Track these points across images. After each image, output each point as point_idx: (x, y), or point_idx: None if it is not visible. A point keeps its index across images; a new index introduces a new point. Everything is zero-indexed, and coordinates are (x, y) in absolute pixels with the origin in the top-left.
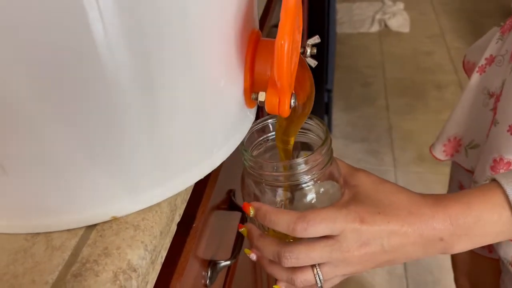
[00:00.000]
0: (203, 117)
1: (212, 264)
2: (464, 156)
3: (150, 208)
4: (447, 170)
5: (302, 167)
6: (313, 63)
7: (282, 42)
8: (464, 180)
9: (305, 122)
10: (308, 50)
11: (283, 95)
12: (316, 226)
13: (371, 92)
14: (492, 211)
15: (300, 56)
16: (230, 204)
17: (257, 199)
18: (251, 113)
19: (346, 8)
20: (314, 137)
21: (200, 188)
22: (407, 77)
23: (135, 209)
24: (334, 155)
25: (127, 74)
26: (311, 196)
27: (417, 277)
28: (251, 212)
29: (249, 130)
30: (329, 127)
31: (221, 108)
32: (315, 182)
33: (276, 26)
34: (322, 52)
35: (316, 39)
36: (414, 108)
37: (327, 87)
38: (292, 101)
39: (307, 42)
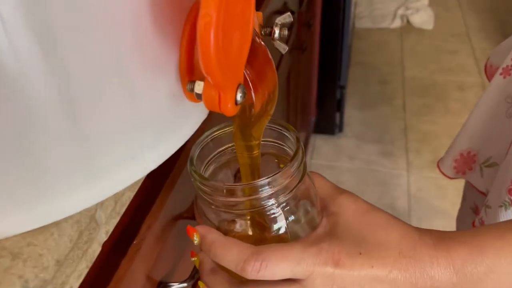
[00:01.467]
0: (122, 109)
1: (162, 286)
2: (479, 176)
3: (44, 229)
4: None
5: (266, 191)
6: (283, 48)
7: (207, 19)
8: (479, 203)
9: (276, 129)
10: (276, 31)
11: (223, 88)
12: (273, 268)
13: (388, 90)
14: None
15: (258, 40)
16: None
17: (211, 224)
18: (197, 108)
19: (367, 2)
20: (288, 150)
21: (152, 196)
22: (427, 76)
23: (19, 231)
24: (345, 154)
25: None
26: (277, 226)
27: None
28: (195, 239)
29: (202, 140)
30: (340, 125)
31: (147, 99)
32: (284, 207)
33: (278, 11)
34: (336, 47)
35: (287, 17)
36: (433, 110)
37: (340, 83)
38: (239, 95)
39: (276, 21)
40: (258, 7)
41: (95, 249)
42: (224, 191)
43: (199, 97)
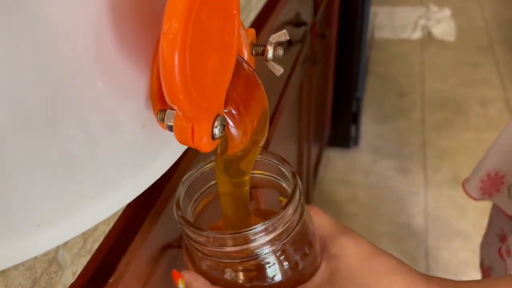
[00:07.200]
0: (83, 135)
1: None
2: (506, 198)
3: None
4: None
5: (260, 239)
6: (277, 70)
7: (170, 37)
8: (506, 229)
9: (272, 163)
10: (270, 51)
11: (196, 120)
12: None
13: (406, 103)
14: None
15: (245, 64)
16: None
17: (199, 269)
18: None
19: (387, 12)
20: (285, 185)
21: (134, 226)
22: (448, 89)
23: None
24: (360, 169)
25: None
26: (272, 274)
27: None
28: (180, 286)
29: (189, 177)
30: (356, 138)
31: (111, 128)
32: (279, 255)
33: (290, 22)
34: (353, 57)
35: (282, 36)
36: (453, 124)
37: (356, 95)
38: (216, 128)
39: (270, 40)
40: (268, 17)
41: None
42: (211, 240)
43: (170, 129)
